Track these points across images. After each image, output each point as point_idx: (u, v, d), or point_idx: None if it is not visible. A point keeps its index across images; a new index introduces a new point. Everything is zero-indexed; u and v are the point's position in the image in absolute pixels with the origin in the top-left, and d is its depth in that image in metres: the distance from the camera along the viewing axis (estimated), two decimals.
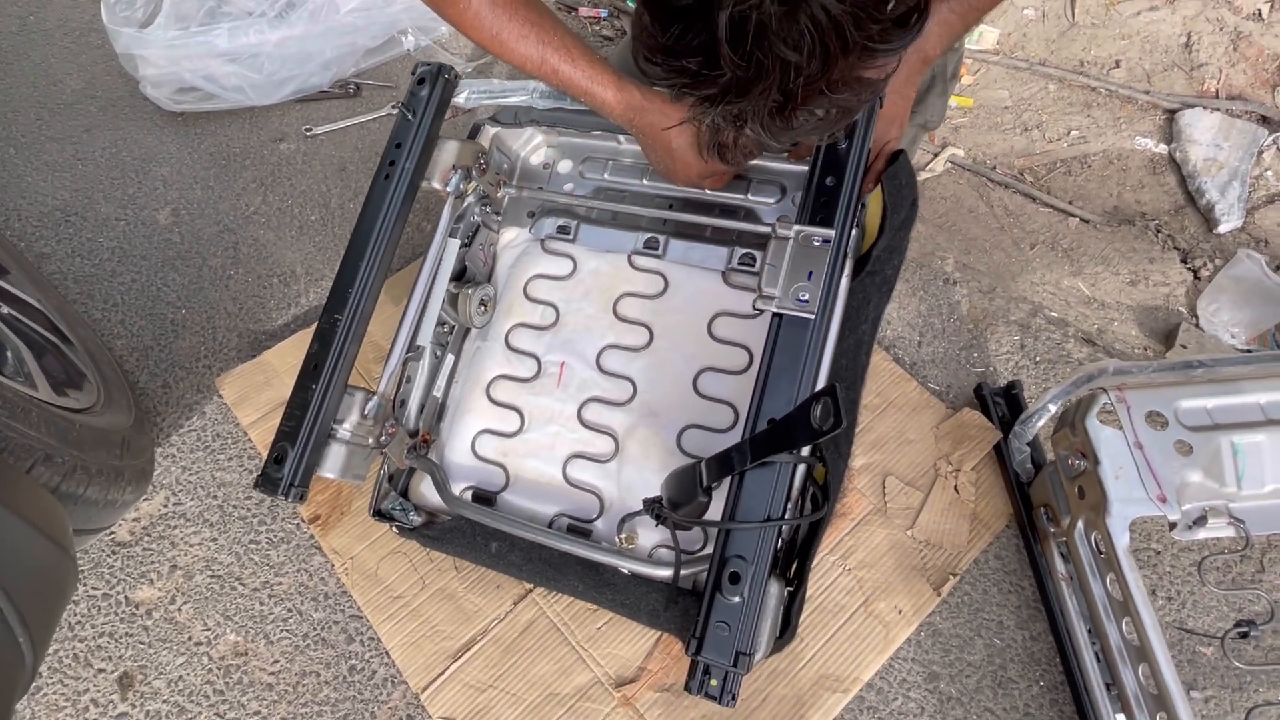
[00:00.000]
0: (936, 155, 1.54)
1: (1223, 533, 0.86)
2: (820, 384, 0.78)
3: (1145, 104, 1.59)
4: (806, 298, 0.75)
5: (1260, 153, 1.48)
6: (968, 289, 1.31)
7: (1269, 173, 1.47)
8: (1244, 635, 0.83)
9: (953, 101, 1.62)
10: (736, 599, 0.70)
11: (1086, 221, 1.45)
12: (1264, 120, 1.54)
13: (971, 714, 0.96)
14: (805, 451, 0.74)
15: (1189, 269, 1.37)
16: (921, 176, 1.51)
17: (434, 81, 0.96)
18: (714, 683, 0.70)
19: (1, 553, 0.55)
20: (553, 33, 0.85)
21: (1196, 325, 1.30)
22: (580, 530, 0.95)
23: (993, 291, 1.31)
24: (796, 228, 0.77)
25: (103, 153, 1.56)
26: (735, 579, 0.70)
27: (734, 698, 0.69)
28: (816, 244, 0.76)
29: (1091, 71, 1.64)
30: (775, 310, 0.76)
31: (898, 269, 0.83)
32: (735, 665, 0.69)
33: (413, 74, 0.98)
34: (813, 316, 0.75)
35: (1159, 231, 1.43)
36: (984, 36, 1.67)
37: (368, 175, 0.96)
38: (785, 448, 0.70)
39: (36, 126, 1.60)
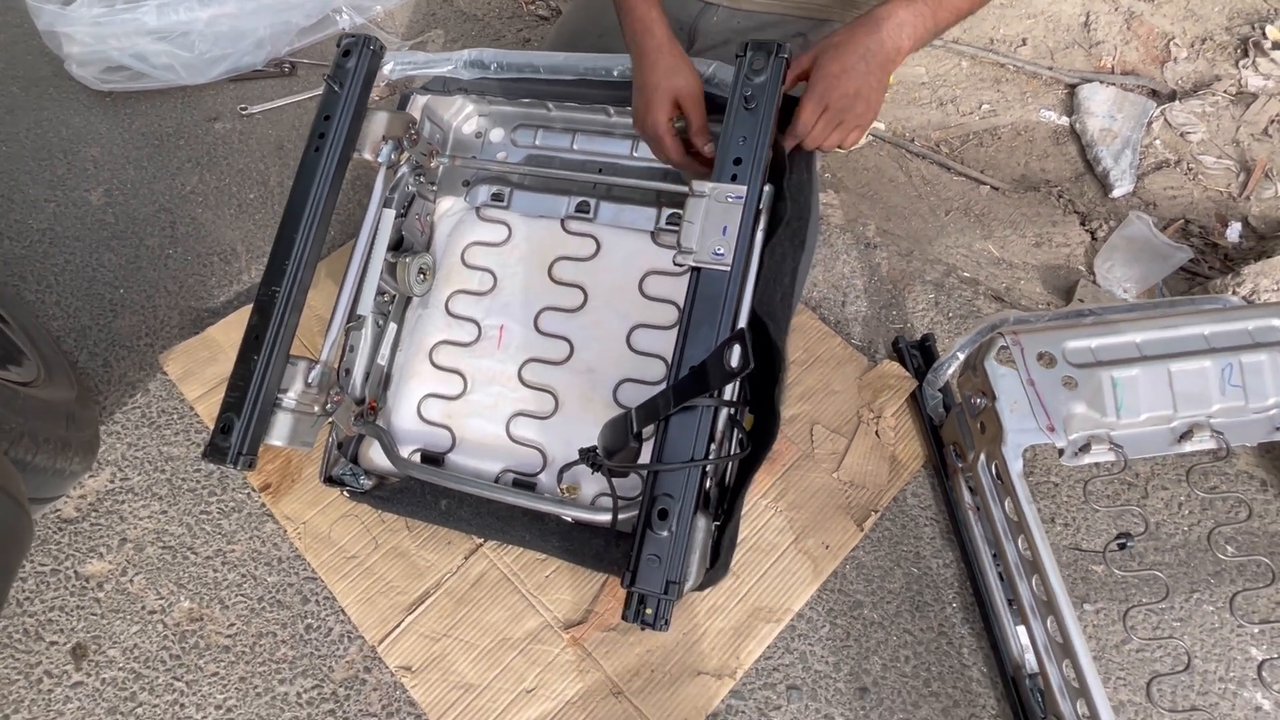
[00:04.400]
0: None
1: (1104, 457, 0.96)
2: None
3: (1049, 79, 1.70)
4: (722, 251, 0.81)
5: (1150, 123, 1.61)
6: (888, 252, 1.40)
7: (1157, 141, 1.60)
8: (1122, 547, 0.93)
9: None
10: (665, 533, 0.76)
11: (996, 189, 1.56)
12: (1154, 94, 1.67)
13: (892, 636, 1.04)
14: (729, 396, 0.81)
15: (1087, 230, 1.49)
16: (845, 150, 1.59)
17: (359, 52, 0.98)
18: (648, 611, 0.76)
19: None
20: None
21: (1094, 282, 1.42)
22: (525, 484, 1.00)
23: (910, 254, 1.40)
24: (711, 185, 0.83)
25: (27, 134, 1.53)
26: (664, 515, 0.76)
27: (667, 623, 0.75)
28: (730, 200, 0.82)
29: (1001, 49, 1.74)
30: (694, 264, 0.82)
31: (806, 221, 0.89)
32: (666, 593, 0.75)
33: (338, 46, 1.00)
34: (728, 269, 0.81)
35: (1061, 197, 1.54)
36: None
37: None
38: (705, 390, 0.76)
39: None
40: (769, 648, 1.02)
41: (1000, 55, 1.72)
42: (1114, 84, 1.66)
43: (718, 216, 0.82)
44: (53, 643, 1.04)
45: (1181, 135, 1.60)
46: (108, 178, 1.48)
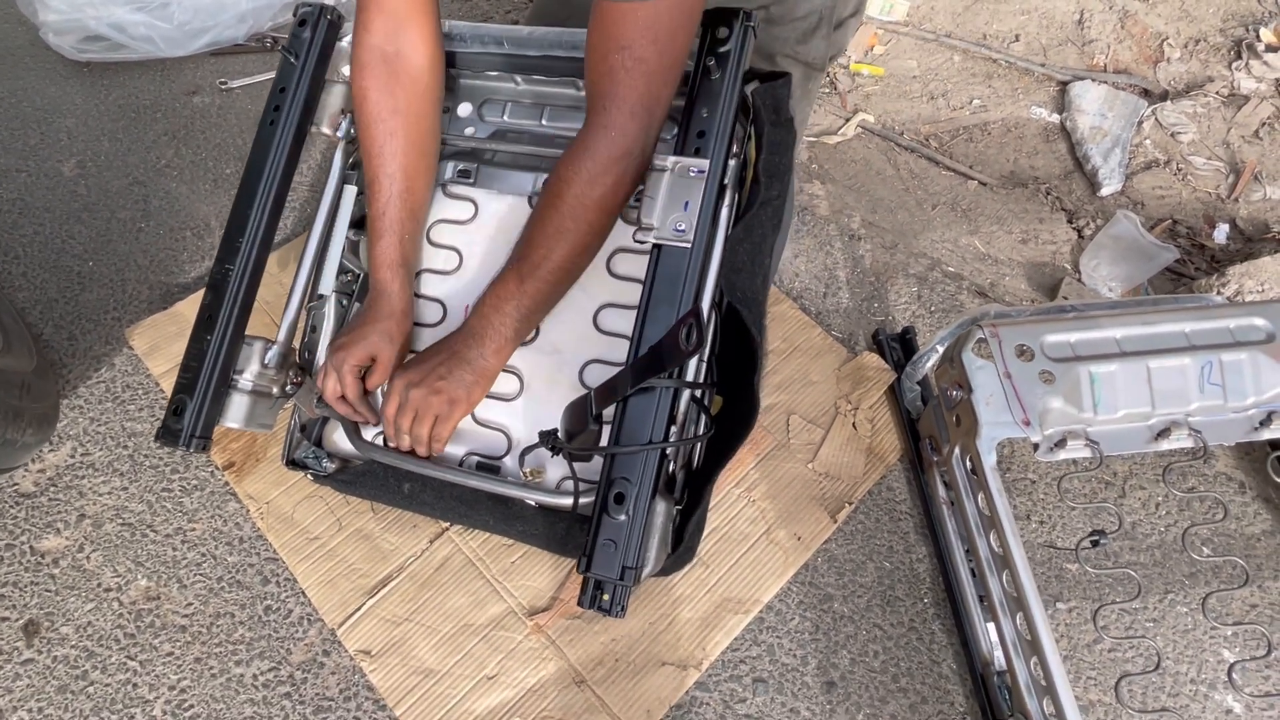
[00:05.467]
0: (848, 120, 1.61)
1: (1080, 453, 0.95)
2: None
3: (1041, 76, 1.69)
4: (683, 227, 0.79)
5: (1140, 123, 1.60)
6: (872, 245, 1.38)
7: (1147, 141, 1.59)
8: (1095, 544, 0.92)
9: (865, 70, 1.69)
10: (622, 517, 0.74)
11: (984, 184, 1.54)
12: (1145, 93, 1.66)
13: (862, 630, 1.03)
14: (691, 376, 0.79)
15: (1074, 228, 1.47)
16: (833, 140, 1.57)
17: (316, 23, 0.96)
18: (605, 597, 0.74)
19: None
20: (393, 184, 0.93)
21: (1079, 280, 1.40)
22: (489, 467, 0.98)
23: (895, 247, 1.39)
24: (672, 159, 0.81)
25: (0, 103, 1.50)
26: (620, 499, 0.74)
27: (623, 609, 0.73)
28: (692, 174, 0.80)
29: (993, 44, 1.73)
30: (654, 240, 0.80)
31: (784, 193, 0.87)
32: (622, 579, 0.73)
33: (294, 15, 0.97)
34: (689, 245, 0.79)
35: (1049, 194, 1.53)
36: (895, 9, 1.74)
37: None
38: (660, 370, 0.74)
39: None
40: (736, 639, 1.01)
41: (993, 51, 1.71)
42: (1106, 82, 1.65)
43: (679, 191, 0.80)
44: (3, 619, 1.01)
45: (1172, 135, 1.59)
46: (81, 149, 1.45)
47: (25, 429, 0.91)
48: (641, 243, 0.82)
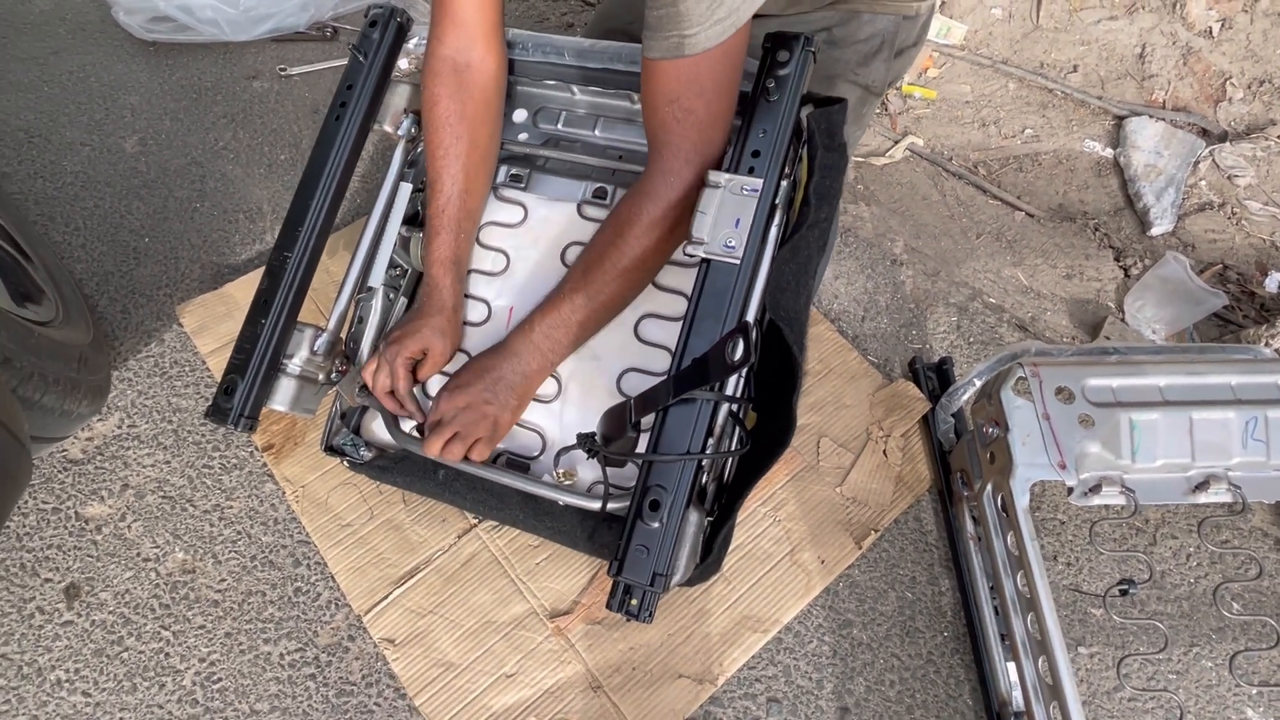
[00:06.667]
0: (896, 143, 1.60)
1: (1115, 500, 0.94)
2: None
3: (1097, 109, 1.66)
4: (734, 244, 0.80)
5: (1197, 163, 1.57)
6: (913, 270, 1.37)
7: (1203, 182, 1.56)
8: (1124, 593, 0.91)
9: (916, 93, 1.68)
10: (655, 525, 0.75)
11: (1032, 216, 1.53)
12: (1204, 133, 1.63)
13: (879, 659, 1.03)
14: (731, 391, 0.80)
15: (1121, 267, 1.45)
16: (880, 162, 1.57)
17: (385, 24, 0.98)
18: (633, 602, 0.75)
19: None
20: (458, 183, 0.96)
21: (1122, 320, 1.38)
22: (521, 466, 1.00)
23: (937, 275, 1.38)
24: (726, 176, 0.82)
25: (69, 76, 1.55)
26: (655, 506, 0.76)
27: (651, 615, 0.75)
28: (745, 193, 0.81)
29: (1050, 74, 1.70)
30: (703, 255, 0.81)
31: (831, 216, 0.88)
32: (652, 585, 0.74)
33: (365, 15, 1.00)
34: (738, 262, 0.80)
35: (1097, 230, 1.51)
36: (952, 32, 1.72)
37: None
38: (705, 382, 0.75)
39: (1, 45, 1.58)
40: (753, 657, 1.01)
41: (1049, 80, 1.69)
42: (1164, 119, 1.62)
43: (731, 208, 0.81)
44: (47, 580, 1.05)
45: (1228, 178, 1.56)
46: (143, 127, 1.49)
47: (81, 400, 0.95)
48: (690, 256, 0.82)
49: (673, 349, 0.99)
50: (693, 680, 0.99)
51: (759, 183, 0.81)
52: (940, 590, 1.07)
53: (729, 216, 0.81)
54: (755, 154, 0.83)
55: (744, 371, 0.79)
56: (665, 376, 0.99)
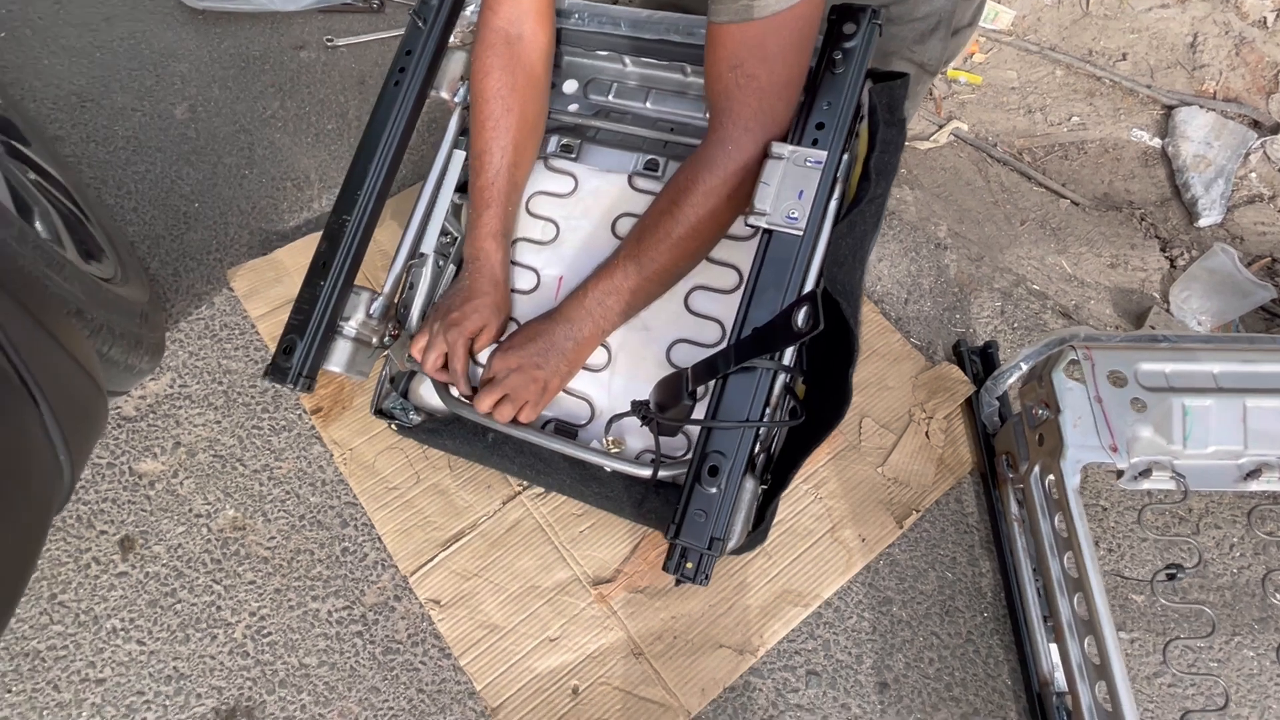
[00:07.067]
0: (941, 128, 1.59)
1: (1165, 485, 0.94)
2: None
3: (1146, 98, 1.64)
4: (796, 215, 0.80)
5: (1247, 155, 1.55)
6: (957, 255, 1.37)
7: (1253, 174, 1.54)
8: (1171, 578, 0.91)
9: (962, 78, 1.67)
10: (714, 490, 0.76)
11: (1076, 204, 1.51)
12: (1255, 124, 1.61)
13: (919, 636, 1.04)
14: (787, 361, 0.80)
15: (1166, 257, 1.44)
16: (924, 146, 1.56)
17: None
18: (689, 565, 0.76)
19: (51, 379, 0.60)
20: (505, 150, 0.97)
21: (1167, 310, 1.37)
22: (568, 432, 1.01)
23: (981, 260, 1.37)
24: (790, 148, 0.82)
25: (121, 43, 1.56)
26: (714, 472, 0.76)
27: (707, 578, 0.75)
28: (809, 165, 0.81)
29: (1099, 61, 1.68)
30: (765, 226, 0.81)
31: (887, 193, 0.88)
32: (710, 549, 0.75)
33: None
34: (800, 233, 0.80)
35: (1143, 220, 1.49)
36: (1000, 17, 1.71)
37: None
38: (769, 350, 0.75)
39: (54, 10, 1.60)
40: (793, 631, 1.02)
41: (1097, 68, 1.67)
42: (1214, 110, 1.60)
43: (795, 180, 0.81)
44: (102, 532, 1.07)
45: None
46: (193, 94, 1.51)
47: (143, 356, 0.97)
48: (751, 227, 0.83)
49: (723, 321, 1.00)
50: (733, 650, 1.00)
51: (823, 155, 0.81)
52: (980, 571, 1.08)
53: (792, 188, 0.81)
54: (819, 126, 0.83)
55: (802, 343, 0.80)
56: (714, 348, 1.00)
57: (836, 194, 0.89)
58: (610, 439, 0.97)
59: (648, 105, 1.10)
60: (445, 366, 0.97)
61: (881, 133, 0.89)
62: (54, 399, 0.60)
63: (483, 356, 1.03)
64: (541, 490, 1.09)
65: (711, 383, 0.81)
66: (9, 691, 0.98)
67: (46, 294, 0.71)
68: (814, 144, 0.83)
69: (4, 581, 0.54)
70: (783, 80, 0.82)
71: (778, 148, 0.83)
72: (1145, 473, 0.93)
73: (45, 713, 0.97)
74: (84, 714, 0.97)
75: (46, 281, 0.74)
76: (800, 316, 0.71)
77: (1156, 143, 1.60)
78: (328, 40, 1.59)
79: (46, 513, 0.62)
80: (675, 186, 0.88)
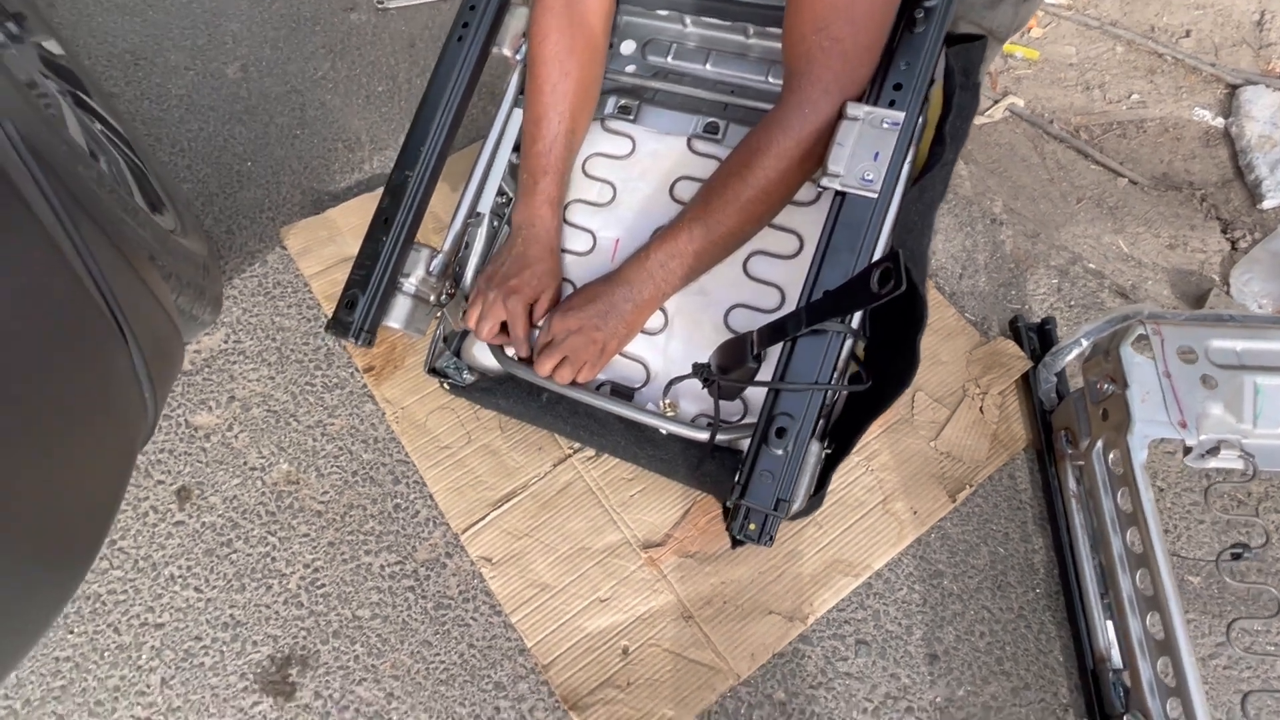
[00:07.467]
0: (996, 103, 1.55)
1: (1232, 464, 0.92)
2: None
3: (1209, 76, 1.60)
4: (871, 177, 0.78)
5: None
6: (1013, 231, 1.34)
7: None
8: (1236, 557, 0.89)
9: (1019, 53, 1.63)
10: (780, 451, 0.76)
11: (1135, 183, 1.48)
12: None
13: (969, 609, 1.03)
14: (855, 325, 0.79)
15: (1228, 239, 1.41)
16: (979, 121, 1.53)
17: None
18: (752, 526, 0.76)
19: (138, 318, 0.60)
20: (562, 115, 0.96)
21: (1227, 292, 1.34)
22: (623, 395, 1.01)
23: (1036, 236, 1.35)
24: (867, 109, 0.80)
25: (173, 2, 1.57)
26: (781, 433, 0.76)
27: (771, 539, 0.75)
28: (886, 126, 0.79)
29: (1161, 38, 1.64)
30: (839, 188, 0.80)
31: (955, 158, 0.86)
32: (776, 510, 0.75)
33: None
34: (875, 195, 0.79)
35: (1204, 201, 1.45)
36: None
37: (436, 54, 0.99)
38: (842, 313, 0.74)
39: None
40: (844, 600, 1.02)
41: (1159, 44, 1.62)
42: None
43: (870, 141, 0.79)
44: (160, 481, 1.09)
45: None
46: (245, 54, 1.51)
47: (205, 307, 0.97)
48: (823, 189, 0.81)
49: (783, 287, 0.99)
50: (783, 617, 1.00)
51: (900, 116, 0.80)
52: (1033, 547, 1.06)
53: (867, 150, 0.80)
54: (897, 87, 0.81)
55: (878, 305, 0.79)
56: (774, 314, 0.99)
57: (909, 158, 0.88)
58: (667, 402, 0.96)
59: (708, 67, 1.09)
60: (501, 331, 0.97)
61: (957, 97, 0.87)
62: (140, 336, 0.60)
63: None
64: (592, 454, 1.10)
65: (774, 347, 0.80)
66: (71, 633, 1.00)
67: (126, 235, 0.71)
68: (890, 105, 0.81)
69: (96, 511, 0.55)
70: (867, 43, 0.81)
71: (853, 108, 0.81)
72: (1213, 451, 0.92)
73: (106, 654, 0.99)
74: (144, 657, 0.99)
75: (123, 225, 0.74)
76: (879, 277, 0.70)
77: (1219, 122, 1.55)
78: (378, 3, 1.58)
79: (132, 448, 0.63)
80: (747, 149, 0.87)
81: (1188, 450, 0.91)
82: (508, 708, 0.97)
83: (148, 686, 0.97)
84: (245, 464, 1.11)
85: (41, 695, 0.96)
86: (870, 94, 0.83)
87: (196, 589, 1.03)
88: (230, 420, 1.14)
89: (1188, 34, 1.64)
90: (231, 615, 1.01)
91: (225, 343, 1.19)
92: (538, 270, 0.96)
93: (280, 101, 1.45)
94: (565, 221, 1.10)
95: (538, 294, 0.96)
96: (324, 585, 1.03)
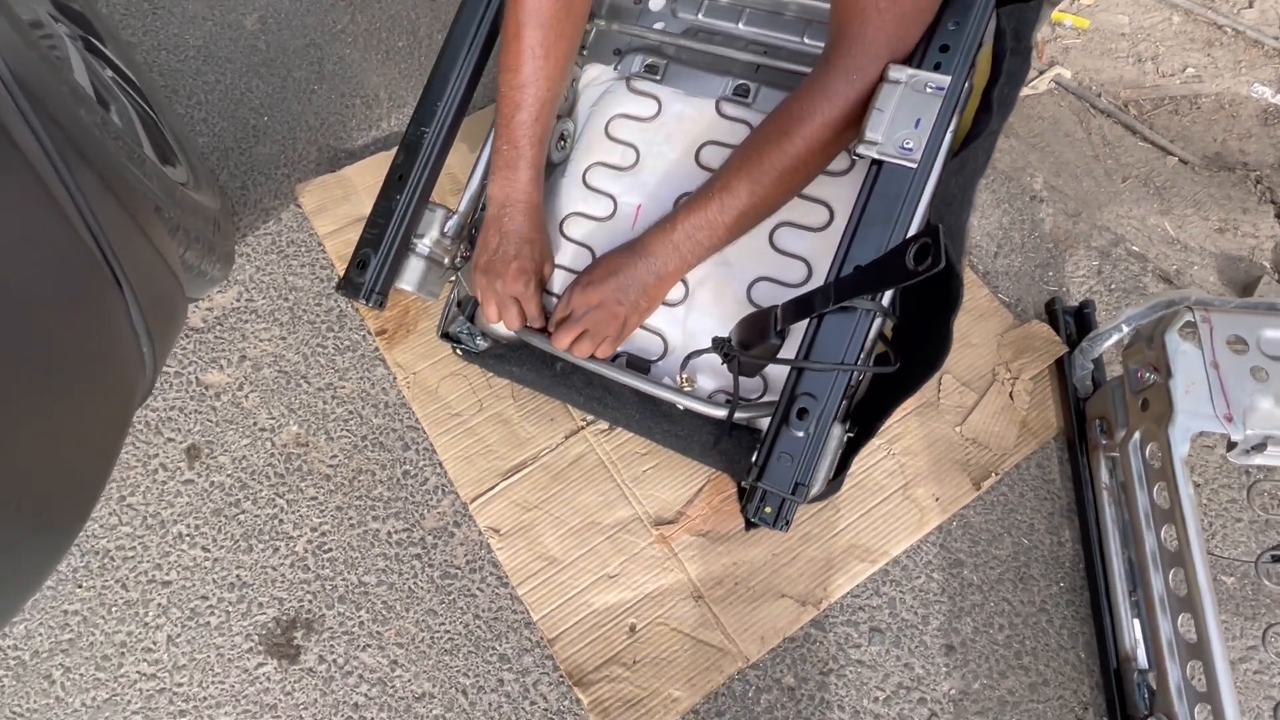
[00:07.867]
0: (1041, 74, 1.48)
1: (1278, 461, 0.87)
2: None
3: (1272, 50, 1.51)
4: (911, 146, 0.73)
5: None
6: (1053, 209, 1.28)
7: None
8: (1277, 559, 0.85)
9: (1068, 20, 1.54)
10: (801, 433, 0.72)
11: (1185, 162, 1.41)
12: None
13: (989, 601, 1.00)
14: (885, 304, 0.75)
15: None
16: (1022, 92, 1.45)
17: None
18: (768, 510, 0.73)
19: (137, 269, 0.58)
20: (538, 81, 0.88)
21: (1278, 280, 1.28)
22: (639, 367, 0.97)
23: (1078, 216, 1.28)
24: (910, 72, 0.74)
25: None
26: (803, 414, 0.72)
27: (788, 523, 0.72)
28: (929, 91, 0.74)
29: (1221, 8, 1.55)
30: (876, 156, 0.75)
31: (1000, 128, 0.81)
32: (793, 494, 0.72)
33: None
34: (914, 166, 0.74)
35: (1259, 183, 1.38)
36: None
37: (456, 7, 0.94)
38: (873, 290, 0.70)
39: None
40: (859, 586, 0.99)
41: (1220, 15, 1.53)
42: None
43: (912, 107, 0.74)
44: (169, 439, 1.08)
45: None
46: (263, 5, 1.47)
47: (215, 263, 0.95)
48: (858, 157, 0.77)
49: (810, 260, 0.95)
50: (795, 601, 0.97)
51: (945, 80, 0.74)
52: (1060, 540, 1.03)
53: (908, 116, 0.75)
54: (944, 49, 0.76)
55: (914, 283, 0.74)
56: (800, 289, 0.94)
57: (952, 126, 0.82)
58: (684, 376, 0.93)
59: (740, 26, 1.03)
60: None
61: (1007, 61, 0.81)
62: (139, 289, 0.58)
63: (554, 285, 1.00)
64: (605, 427, 1.07)
65: (798, 324, 0.76)
66: (79, 587, 1.00)
67: (131, 185, 0.69)
68: (936, 68, 0.76)
69: (91, 466, 0.53)
70: (925, 5, 0.75)
71: (895, 71, 0.76)
72: (1259, 446, 0.87)
73: (113, 609, 0.99)
74: (150, 613, 0.99)
75: (128, 175, 0.72)
76: (915, 253, 0.65)
77: (1279, 100, 1.47)
78: None
79: (129, 402, 0.61)
80: (786, 116, 0.81)
81: (1231, 445, 0.87)
82: (512, 680, 0.95)
83: (154, 643, 0.97)
84: (255, 424, 1.09)
85: (50, 647, 0.96)
86: (915, 55, 0.77)
87: (204, 548, 1.02)
88: (241, 380, 1.12)
89: (1250, 4, 1.55)
90: (238, 576, 1.01)
91: (238, 301, 1.18)
92: (538, 246, 0.93)
93: (298, 55, 1.41)
94: (585, 184, 1.07)
95: (541, 268, 0.94)
96: (331, 550, 1.02)
